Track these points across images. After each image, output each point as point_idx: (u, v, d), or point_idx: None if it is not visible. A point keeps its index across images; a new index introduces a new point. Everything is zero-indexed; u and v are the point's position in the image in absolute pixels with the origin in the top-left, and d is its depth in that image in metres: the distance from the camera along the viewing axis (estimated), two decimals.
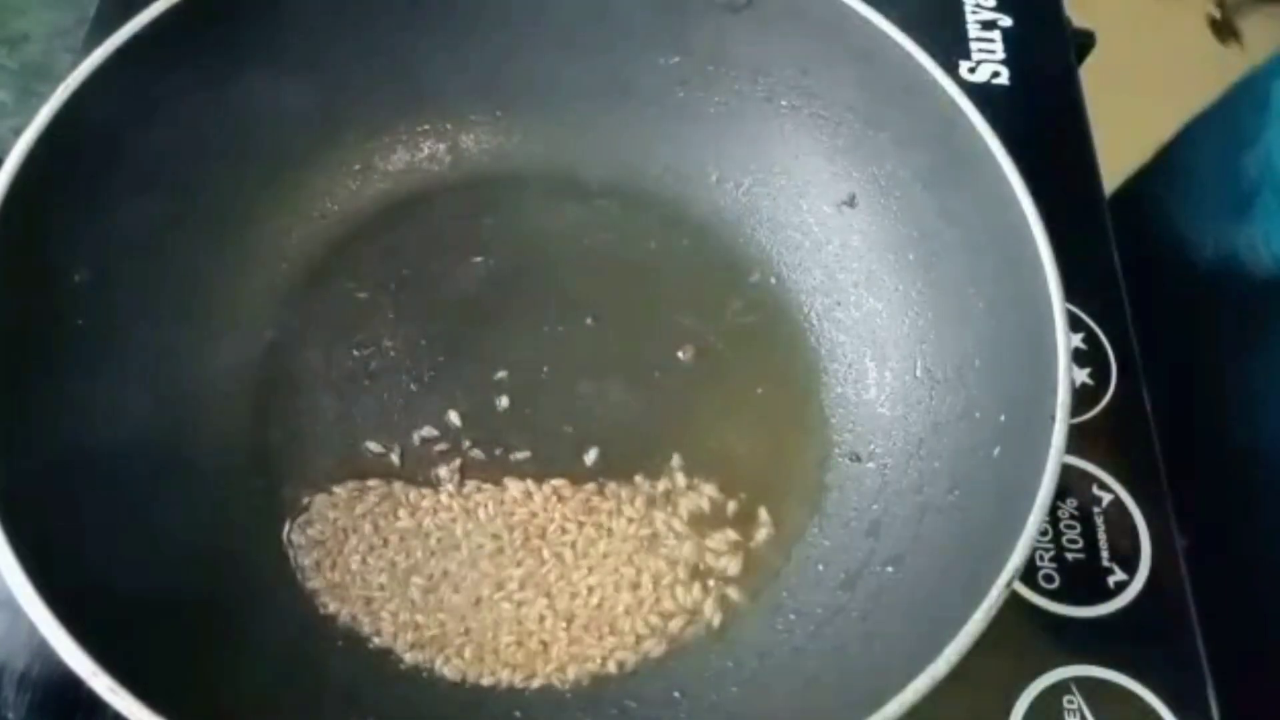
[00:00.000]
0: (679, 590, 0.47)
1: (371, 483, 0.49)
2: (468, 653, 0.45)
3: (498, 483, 0.49)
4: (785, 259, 0.56)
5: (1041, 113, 0.66)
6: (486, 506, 0.48)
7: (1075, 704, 0.46)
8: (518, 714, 0.44)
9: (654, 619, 0.46)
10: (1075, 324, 0.56)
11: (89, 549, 0.39)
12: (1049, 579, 0.50)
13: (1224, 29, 1.55)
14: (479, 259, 0.56)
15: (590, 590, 0.47)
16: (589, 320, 0.54)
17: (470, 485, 0.49)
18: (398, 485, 0.49)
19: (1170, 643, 0.49)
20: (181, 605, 0.41)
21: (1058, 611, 0.49)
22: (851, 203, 0.54)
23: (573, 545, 0.48)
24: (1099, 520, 0.52)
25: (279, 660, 0.44)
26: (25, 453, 0.39)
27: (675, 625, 0.46)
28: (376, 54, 0.53)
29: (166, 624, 0.40)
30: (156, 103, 0.47)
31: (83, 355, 0.44)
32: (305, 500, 0.48)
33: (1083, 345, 0.57)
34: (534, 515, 0.48)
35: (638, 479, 0.50)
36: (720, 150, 0.57)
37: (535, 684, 0.45)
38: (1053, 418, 0.40)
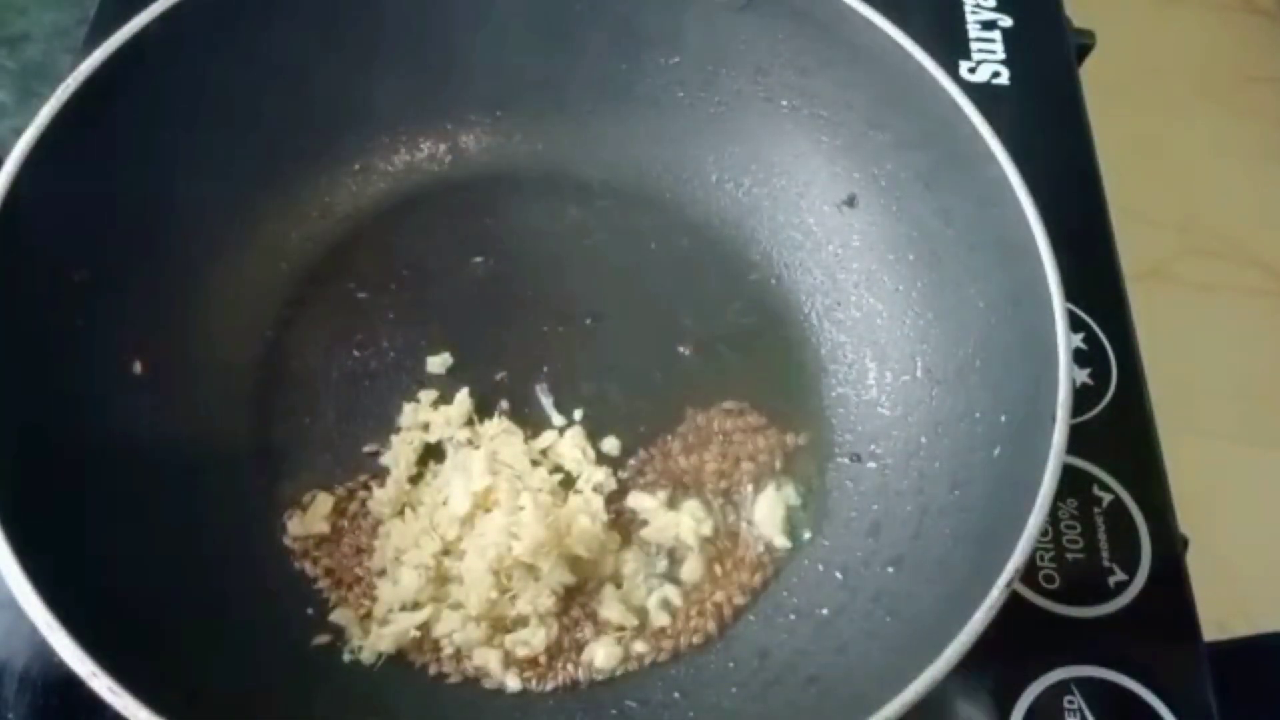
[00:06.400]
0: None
1: (371, 482, 0.49)
2: (470, 653, 0.45)
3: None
4: (785, 259, 0.56)
5: (1041, 113, 0.66)
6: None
7: (1075, 704, 0.46)
8: (518, 714, 0.45)
9: (650, 630, 0.47)
10: (1075, 324, 0.56)
11: (89, 549, 0.39)
12: (1049, 579, 0.50)
13: None
14: (479, 259, 0.56)
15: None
16: (589, 320, 0.54)
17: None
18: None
19: (1170, 643, 0.49)
20: (181, 605, 0.41)
21: (1058, 611, 0.49)
22: (851, 203, 0.54)
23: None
24: (1099, 520, 0.52)
25: (279, 660, 0.44)
26: (26, 453, 0.39)
27: (669, 638, 0.46)
28: (376, 54, 0.53)
29: (166, 624, 0.40)
30: (156, 103, 0.47)
31: (82, 355, 0.44)
32: (305, 499, 0.48)
33: (1083, 345, 0.57)
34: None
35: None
36: (720, 150, 0.57)
37: (536, 684, 0.45)
38: (1053, 418, 0.40)
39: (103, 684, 0.34)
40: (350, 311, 0.54)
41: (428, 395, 0.51)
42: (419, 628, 0.45)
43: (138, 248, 0.47)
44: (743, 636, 0.46)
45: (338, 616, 0.46)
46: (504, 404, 0.52)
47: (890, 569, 0.46)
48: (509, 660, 0.45)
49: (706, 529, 0.48)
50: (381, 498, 0.48)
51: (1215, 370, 1.20)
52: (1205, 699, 0.47)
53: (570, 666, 0.45)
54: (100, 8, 0.64)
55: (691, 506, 0.49)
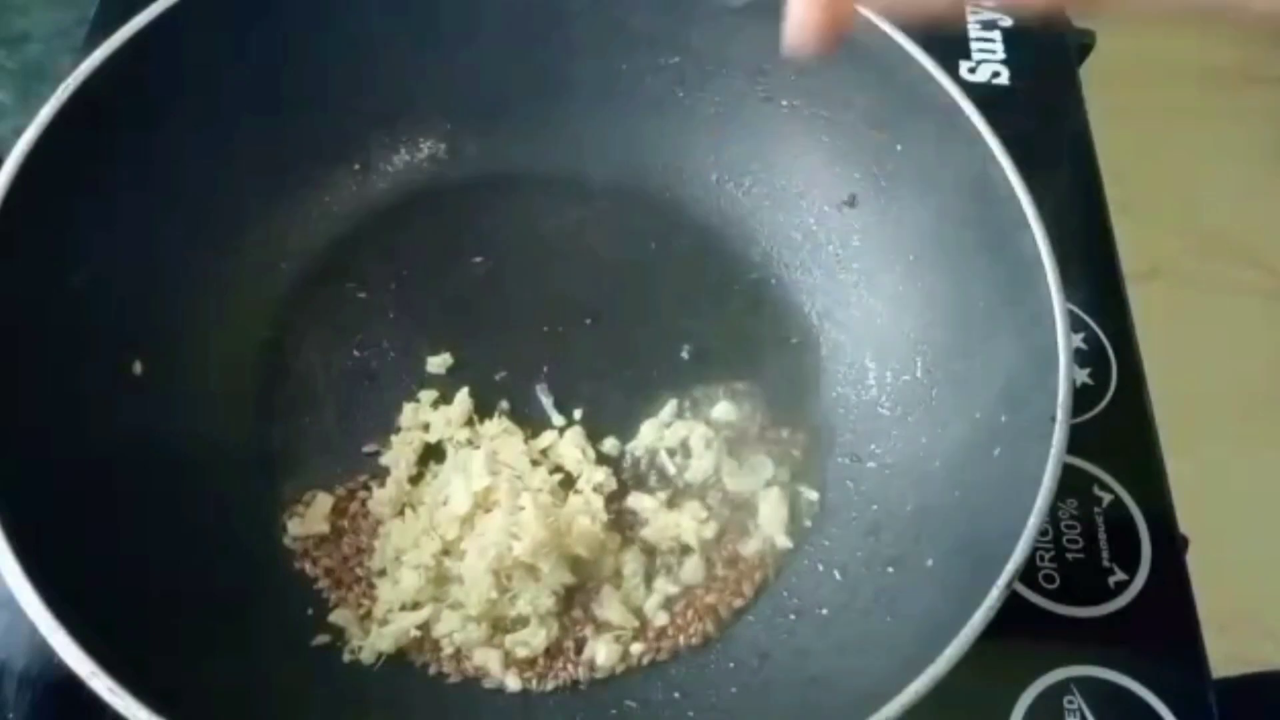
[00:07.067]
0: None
1: (371, 482, 0.49)
2: (470, 653, 0.45)
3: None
4: (785, 259, 0.56)
5: (1041, 113, 0.66)
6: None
7: (1075, 704, 0.46)
8: (518, 714, 0.45)
9: (649, 630, 0.47)
10: (1075, 324, 0.56)
11: (89, 549, 0.39)
12: (1049, 579, 0.50)
13: None
14: (479, 259, 0.56)
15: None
16: (589, 320, 0.54)
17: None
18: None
19: (1170, 643, 0.49)
20: (181, 604, 0.42)
21: (1058, 611, 0.49)
22: (852, 203, 0.54)
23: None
24: (1099, 520, 0.52)
25: (279, 660, 0.44)
26: (26, 453, 0.39)
27: (668, 638, 0.46)
28: (376, 55, 0.53)
29: (166, 623, 0.40)
30: (156, 103, 0.47)
31: (82, 355, 0.44)
32: (305, 499, 0.48)
33: (1083, 345, 0.57)
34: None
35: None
36: (720, 150, 0.57)
37: (536, 684, 0.45)
38: (1053, 418, 0.40)
39: (103, 684, 0.34)
40: (350, 311, 0.54)
41: (428, 395, 0.51)
42: (419, 628, 0.45)
43: (137, 248, 0.47)
44: (743, 636, 0.46)
45: (338, 616, 0.46)
46: (504, 404, 0.52)
47: (890, 569, 0.45)
48: (509, 660, 0.45)
49: (707, 530, 0.48)
50: (381, 498, 0.48)
51: (1215, 370, 1.20)
52: (1205, 699, 0.47)
53: (570, 666, 0.45)
54: (100, 8, 0.64)
55: (692, 507, 0.49)
